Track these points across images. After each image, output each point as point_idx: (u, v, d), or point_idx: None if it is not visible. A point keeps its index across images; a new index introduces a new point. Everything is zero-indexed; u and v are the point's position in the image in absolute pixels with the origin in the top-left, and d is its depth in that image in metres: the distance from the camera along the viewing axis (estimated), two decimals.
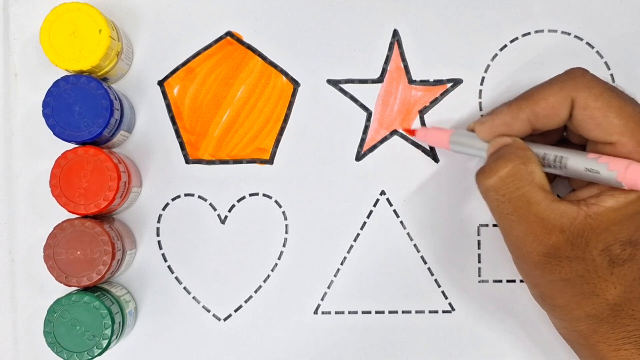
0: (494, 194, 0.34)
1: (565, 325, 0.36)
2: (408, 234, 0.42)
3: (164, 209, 0.42)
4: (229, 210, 0.42)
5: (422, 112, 0.42)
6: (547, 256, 0.34)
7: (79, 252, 0.38)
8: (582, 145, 0.37)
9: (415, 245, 0.42)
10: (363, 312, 0.42)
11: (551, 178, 0.39)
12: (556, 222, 0.33)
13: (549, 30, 0.42)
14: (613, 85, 0.34)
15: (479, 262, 0.42)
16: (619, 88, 0.34)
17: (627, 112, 0.33)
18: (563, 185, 0.41)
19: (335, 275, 0.42)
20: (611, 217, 0.33)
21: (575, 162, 0.34)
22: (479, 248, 0.42)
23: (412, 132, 0.42)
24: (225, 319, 0.42)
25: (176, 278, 0.42)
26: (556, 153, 0.35)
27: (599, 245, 0.33)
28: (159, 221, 0.42)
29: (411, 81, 0.42)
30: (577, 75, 0.34)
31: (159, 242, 0.42)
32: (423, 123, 0.42)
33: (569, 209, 0.33)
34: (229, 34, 0.42)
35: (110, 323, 0.37)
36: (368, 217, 0.42)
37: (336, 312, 0.42)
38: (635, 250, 0.33)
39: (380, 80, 0.42)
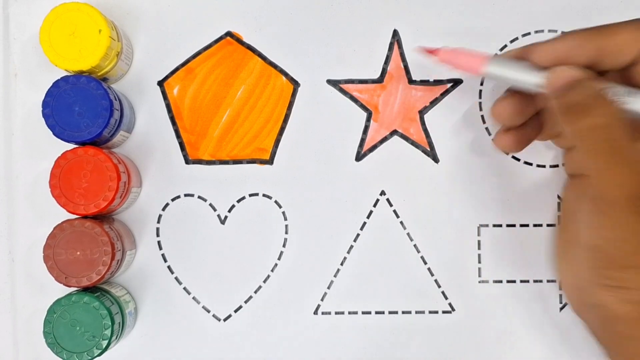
0: (594, 135, 0.31)
1: None
2: (408, 234, 0.42)
3: (163, 209, 0.42)
4: (229, 211, 0.42)
5: (422, 112, 0.42)
6: (638, 198, 0.31)
7: (78, 253, 0.38)
8: None
9: (415, 245, 0.42)
10: (363, 313, 0.42)
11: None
12: None
13: (549, 30, 0.42)
14: None
15: (479, 262, 0.42)
16: None
17: None
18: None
19: (335, 276, 0.42)
20: None
21: None
22: (479, 248, 0.42)
23: (435, 52, 0.37)
24: (225, 319, 0.42)
25: (176, 278, 0.42)
26: (624, 87, 0.33)
27: None
28: (158, 221, 0.42)
29: (411, 81, 0.42)
30: None
31: (158, 242, 0.42)
32: (423, 123, 0.42)
33: None
34: (229, 34, 0.42)
35: (110, 323, 0.37)
36: (368, 217, 0.42)
37: (336, 313, 0.42)
38: None
39: (380, 80, 0.42)
